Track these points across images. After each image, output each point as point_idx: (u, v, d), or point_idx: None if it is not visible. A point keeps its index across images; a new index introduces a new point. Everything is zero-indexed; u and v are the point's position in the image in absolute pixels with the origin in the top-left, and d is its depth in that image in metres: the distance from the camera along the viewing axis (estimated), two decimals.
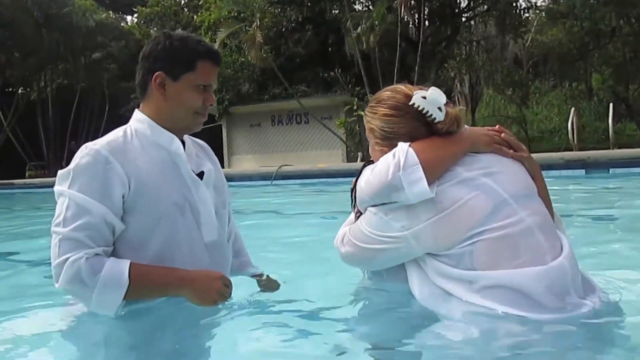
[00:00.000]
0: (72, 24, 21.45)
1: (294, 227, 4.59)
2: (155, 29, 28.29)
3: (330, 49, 20.38)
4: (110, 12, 28.97)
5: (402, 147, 1.49)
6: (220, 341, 1.56)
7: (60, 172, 1.60)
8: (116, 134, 1.68)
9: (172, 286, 1.58)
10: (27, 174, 22.33)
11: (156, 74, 1.66)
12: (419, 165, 1.45)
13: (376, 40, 15.40)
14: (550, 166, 8.18)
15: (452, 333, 1.43)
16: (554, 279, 1.40)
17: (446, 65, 18.03)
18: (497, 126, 1.65)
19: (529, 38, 23.38)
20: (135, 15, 29.28)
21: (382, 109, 1.61)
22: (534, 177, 1.61)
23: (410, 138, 1.54)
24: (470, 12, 19.63)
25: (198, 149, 1.88)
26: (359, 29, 15.52)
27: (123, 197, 1.57)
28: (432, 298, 1.51)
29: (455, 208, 1.45)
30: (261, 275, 2.04)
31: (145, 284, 1.56)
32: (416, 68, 15.02)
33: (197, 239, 1.70)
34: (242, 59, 18.75)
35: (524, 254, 1.42)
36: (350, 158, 16.82)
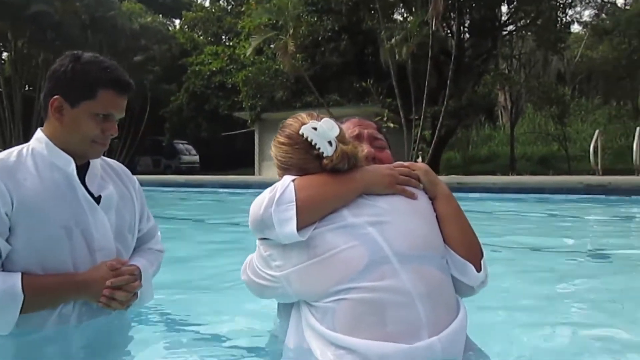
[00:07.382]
0: (116, 27, 22.08)
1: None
2: (199, 33, 28.88)
3: (369, 58, 20.19)
4: (160, 15, 29.52)
5: (285, 181, 1.38)
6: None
7: None
8: (10, 152, 1.65)
9: (71, 292, 1.59)
10: None
11: (54, 97, 1.60)
12: (294, 203, 1.32)
13: (409, 52, 15.15)
14: (569, 190, 7.87)
15: None
16: None
17: (482, 80, 17.61)
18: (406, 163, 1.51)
19: (579, 53, 22.58)
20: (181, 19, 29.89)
21: (280, 137, 1.50)
22: (444, 215, 1.44)
23: (301, 171, 1.43)
24: (511, 25, 19.07)
25: (107, 170, 1.80)
26: (393, 40, 15.31)
27: (7, 215, 1.53)
28: (294, 353, 1.35)
29: (328, 256, 1.30)
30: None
31: (42, 294, 1.53)
32: (448, 82, 14.69)
33: (89, 265, 1.63)
34: (277, 67, 18.82)
35: (391, 325, 1.23)
36: None
